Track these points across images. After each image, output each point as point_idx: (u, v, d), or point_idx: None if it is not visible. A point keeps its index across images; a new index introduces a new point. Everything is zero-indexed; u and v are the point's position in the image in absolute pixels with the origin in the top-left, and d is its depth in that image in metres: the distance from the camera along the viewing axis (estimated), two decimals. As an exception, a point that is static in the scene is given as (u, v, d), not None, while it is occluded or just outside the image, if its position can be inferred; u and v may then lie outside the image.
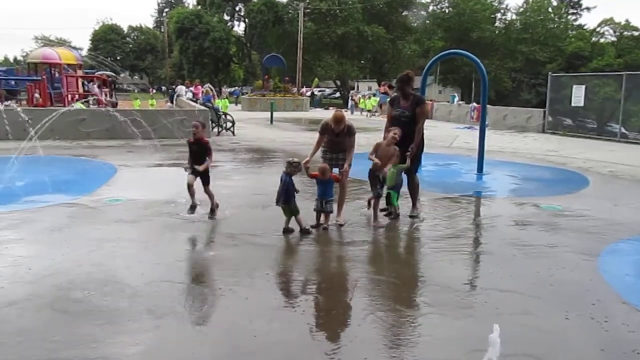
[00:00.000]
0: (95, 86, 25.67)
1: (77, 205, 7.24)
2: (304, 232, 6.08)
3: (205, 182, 6.83)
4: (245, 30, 62.59)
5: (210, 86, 24.49)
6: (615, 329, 3.84)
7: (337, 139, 6.55)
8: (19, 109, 14.82)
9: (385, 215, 6.97)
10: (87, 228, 6.20)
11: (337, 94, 58.06)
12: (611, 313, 4.09)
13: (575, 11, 61.19)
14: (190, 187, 6.69)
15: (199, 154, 6.75)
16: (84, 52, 62.77)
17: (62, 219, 6.58)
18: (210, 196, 6.90)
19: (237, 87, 58.96)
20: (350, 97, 37.55)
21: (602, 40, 56.16)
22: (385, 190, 6.69)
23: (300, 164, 6.13)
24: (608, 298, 4.41)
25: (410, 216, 6.99)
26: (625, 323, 3.94)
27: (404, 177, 7.00)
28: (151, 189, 8.47)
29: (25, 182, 8.55)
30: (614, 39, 55.87)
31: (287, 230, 6.09)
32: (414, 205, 7.17)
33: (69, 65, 27.34)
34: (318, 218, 6.36)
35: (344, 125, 6.46)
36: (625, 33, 54.97)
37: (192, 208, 6.76)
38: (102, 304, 4.08)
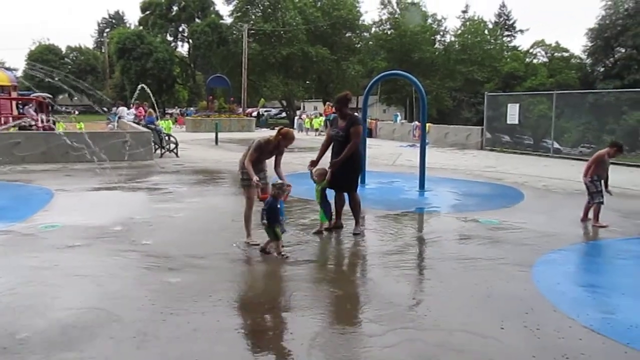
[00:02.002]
0: (32, 109, 24.69)
1: (10, 233, 6.94)
2: (266, 253, 6.05)
3: None
4: (189, 51, 62.18)
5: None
6: (547, 336, 4.02)
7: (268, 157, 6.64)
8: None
9: (315, 233, 7.07)
10: (20, 256, 5.94)
11: (284, 114, 58.32)
12: (543, 321, 4.28)
13: (509, 33, 64.26)
14: None
15: None
16: (19, 73, 60.52)
17: (-7, 247, 6.28)
18: None
19: (191, 108, 58.12)
20: (299, 116, 38.29)
21: (535, 60, 58.94)
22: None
23: (284, 186, 6.08)
24: (541, 307, 4.61)
25: (354, 234, 7.09)
26: (556, 330, 4.12)
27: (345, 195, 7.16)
28: (90, 213, 8.21)
29: (-46, 209, 8.14)
30: (545, 59, 58.76)
31: (263, 250, 6.07)
32: (356, 223, 7.27)
33: (2, 87, 26.22)
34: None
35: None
36: (556, 54, 57.97)
37: None
38: (38, 333, 3.92)
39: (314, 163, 7.16)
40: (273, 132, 6.77)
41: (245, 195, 6.61)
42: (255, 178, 6.20)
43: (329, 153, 7.25)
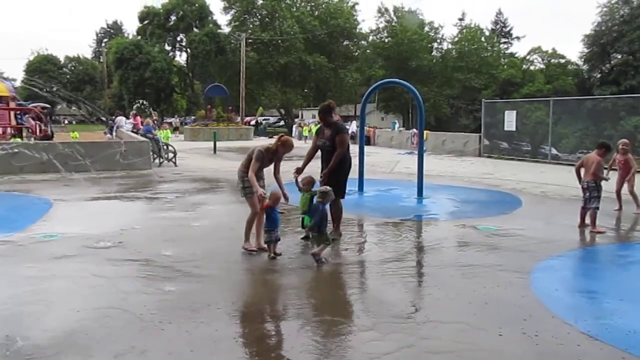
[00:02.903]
0: (30, 119, 24.73)
1: (8, 243, 6.93)
2: (321, 262, 6.08)
3: None
4: (187, 60, 62.36)
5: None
6: (545, 342, 4.02)
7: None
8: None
9: (303, 238, 7.12)
10: (18, 266, 5.94)
11: (282, 122, 58.43)
12: (541, 327, 4.28)
13: (506, 40, 64.51)
14: None
15: None
16: (18, 83, 60.71)
17: (-9, 257, 6.28)
18: None
19: (188, 118, 58.17)
20: (297, 125, 38.51)
21: (532, 67, 59.20)
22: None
23: (331, 191, 6.32)
24: (539, 313, 4.61)
25: (332, 239, 7.09)
26: (554, 336, 4.13)
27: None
28: (88, 223, 8.22)
29: (-48, 220, 8.14)
30: (542, 66, 59.03)
31: (319, 260, 6.11)
32: (335, 228, 7.32)
33: (0, 97, 26.25)
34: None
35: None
36: (553, 61, 58.26)
37: None
38: (34, 344, 3.92)
39: (299, 170, 7.19)
40: (272, 140, 6.81)
41: (248, 203, 6.61)
42: (261, 191, 6.27)
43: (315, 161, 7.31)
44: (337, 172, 7.12)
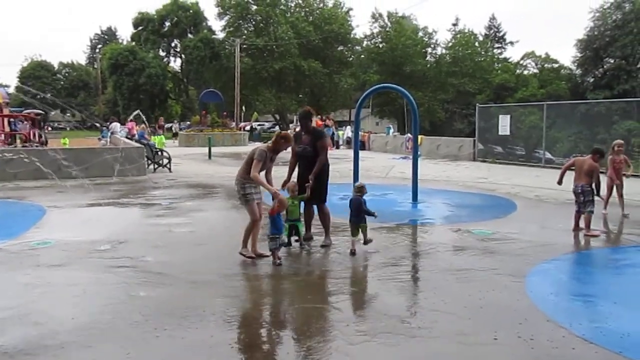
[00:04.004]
0: (27, 125, 24.65)
1: (2, 250, 6.90)
2: (368, 242, 6.87)
3: None
4: (181, 66, 62.28)
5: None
6: (540, 346, 4.03)
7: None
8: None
9: (296, 241, 7.12)
10: (12, 273, 5.91)
11: (277, 128, 58.44)
12: (537, 331, 4.29)
13: (500, 45, 64.79)
14: None
15: None
16: (11, 90, 60.53)
17: (-15, 265, 6.24)
18: None
19: (186, 122, 57.97)
20: (293, 130, 38.36)
21: (525, 72, 59.42)
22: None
23: (364, 186, 7.02)
24: (534, 317, 4.62)
25: (322, 245, 7.12)
26: (549, 340, 4.14)
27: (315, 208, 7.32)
28: (82, 230, 8.19)
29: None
30: (536, 70, 59.28)
31: (364, 241, 6.87)
32: (326, 234, 7.31)
33: (-6, 103, 26.15)
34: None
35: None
36: (546, 65, 58.52)
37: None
38: (28, 351, 3.89)
39: (286, 183, 7.14)
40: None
41: (248, 210, 6.50)
42: (273, 189, 6.26)
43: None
44: (319, 178, 7.10)
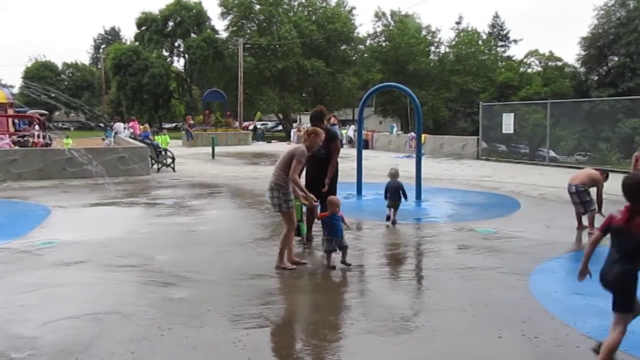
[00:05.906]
0: (36, 126, 24.72)
1: (6, 250, 6.93)
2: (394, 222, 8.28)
3: None
4: (185, 66, 62.30)
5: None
6: (545, 344, 4.03)
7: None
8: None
9: (299, 241, 7.11)
10: (18, 273, 5.94)
11: (280, 127, 58.45)
12: (541, 329, 4.29)
13: (503, 43, 64.57)
14: None
15: None
16: (16, 90, 60.73)
17: (-10, 264, 6.27)
18: None
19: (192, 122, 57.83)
20: (296, 129, 38.44)
21: (529, 70, 59.21)
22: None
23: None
24: (538, 315, 4.62)
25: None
26: (553, 338, 4.13)
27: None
28: (87, 229, 8.21)
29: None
30: (539, 69, 59.06)
31: (392, 220, 8.41)
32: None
33: (-2, 104, 26.21)
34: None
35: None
36: (550, 63, 58.31)
37: None
38: (34, 350, 3.92)
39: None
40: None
41: (285, 219, 6.03)
42: (311, 196, 6.06)
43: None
44: (333, 180, 7.11)
